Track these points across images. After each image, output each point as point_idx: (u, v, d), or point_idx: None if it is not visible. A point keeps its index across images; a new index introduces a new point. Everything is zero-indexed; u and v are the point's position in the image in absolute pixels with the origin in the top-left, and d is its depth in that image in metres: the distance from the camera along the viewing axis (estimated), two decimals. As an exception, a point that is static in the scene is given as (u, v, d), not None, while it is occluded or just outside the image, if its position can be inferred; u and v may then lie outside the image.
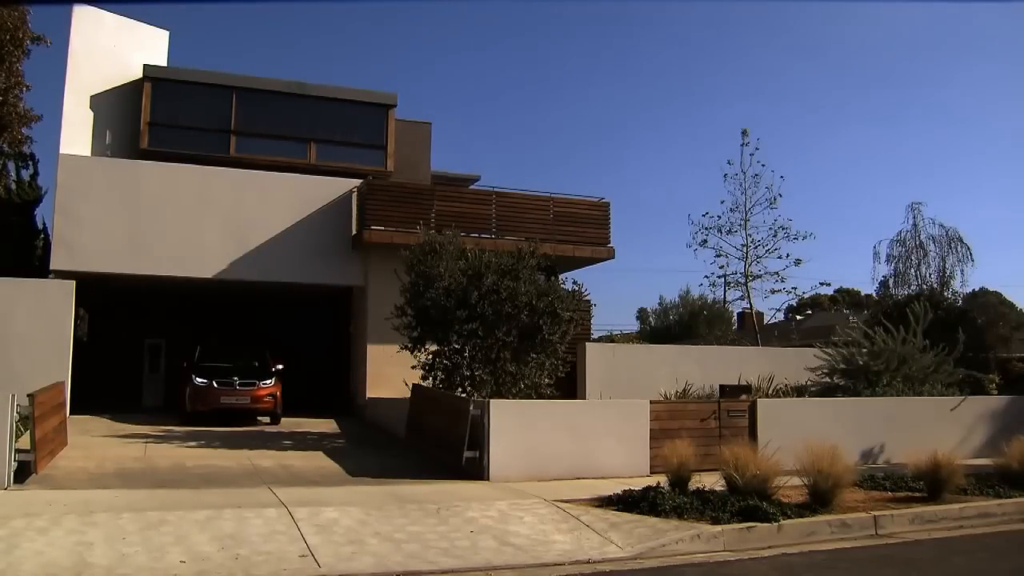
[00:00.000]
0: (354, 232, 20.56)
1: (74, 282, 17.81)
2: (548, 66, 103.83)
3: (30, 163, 24.58)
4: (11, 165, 24.29)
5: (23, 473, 11.03)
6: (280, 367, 19.69)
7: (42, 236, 23.33)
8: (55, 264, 18.52)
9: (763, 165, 26.14)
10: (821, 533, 9.88)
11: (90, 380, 20.13)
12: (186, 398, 18.63)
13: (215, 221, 19.75)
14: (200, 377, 18.50)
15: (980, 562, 9.16)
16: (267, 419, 18.93)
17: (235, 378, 18.59)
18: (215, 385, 18.40)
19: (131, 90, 21.31)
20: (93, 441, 15.19)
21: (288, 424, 18.77)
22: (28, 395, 11.15)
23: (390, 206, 20.00)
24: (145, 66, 21.19)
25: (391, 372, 17.59)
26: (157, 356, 25.70)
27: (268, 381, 18.89)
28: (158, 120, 21.21)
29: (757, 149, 26.03)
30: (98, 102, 21.05)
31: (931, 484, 11.60)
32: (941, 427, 15.17)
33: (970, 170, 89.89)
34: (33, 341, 16.84)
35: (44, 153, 43.96)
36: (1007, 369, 28.13)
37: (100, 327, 24.82)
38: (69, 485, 11.03)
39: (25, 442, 11.26)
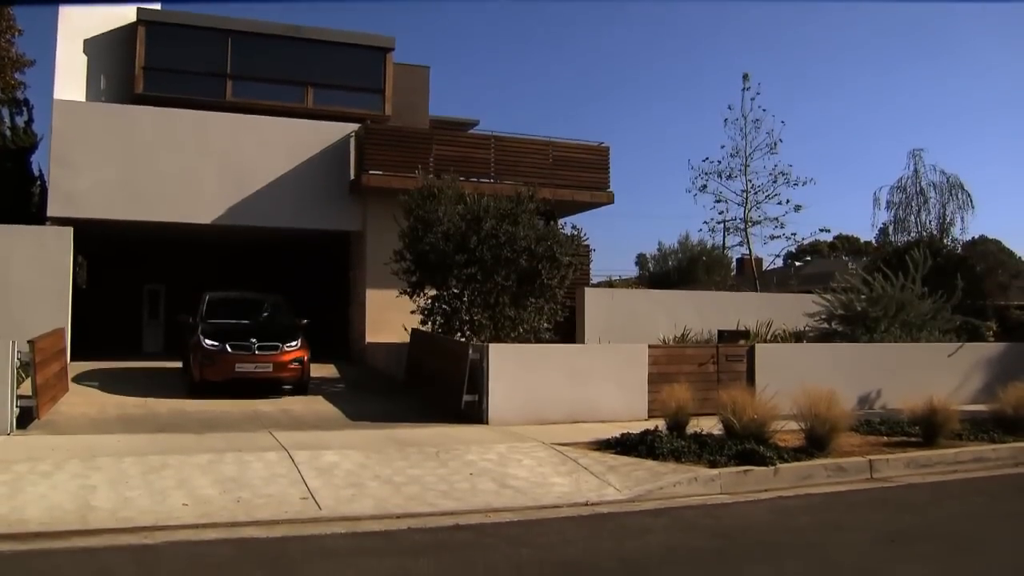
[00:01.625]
0: (352, 177, 20.42)
1: (71, 228, 17.73)
2: (547, 13, 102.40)
3: (24, 109, 24.41)
4: (5, 111, 24.12)
5: (25, 419, 11.12)
6: (306, 322, 16.65)
7: (38, 183, 23.22)
8: (52, 211, 18.42)
9: (764, 110, 25.89)
10: (817, 477, 9.98)
11: (90, 327, 20.17)
12: (192, 365, 15.21)
13: (212, 166, 19.61)
14: (209, 339, 15.02)
15: (974, 505, 9.28)
16: (291, 388, 15.50)
17: (253, 340, 15.08)
18: (228, 350, 14.87)
19: (125, 34, 20.98)
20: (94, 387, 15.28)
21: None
22: (28, 341, 11.19)
23: (388, 150, 19.83)
24: (139, 9, 20.81)
25: (390, 317, 17.61)
26: (156, 302, 25.76)
27: (293, 343, 15.45)
28: (153, 65, 20.91)
29: (758, 94, 25.77)
30: (92, 47, 20.76)
31: (927, 429, 11.70)
32: (938, 373, 15.23)
33: (973, 119, 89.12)
34: (32, 288, 16.82)
35: (38, 99, 43.65)
36: (1005, 317, 28.15)
37: (99, 274, 24.79)
38: (71, 430, 11.13)
39: (26, 388, 11.33)
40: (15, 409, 10.80)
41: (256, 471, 8.92)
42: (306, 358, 15.43)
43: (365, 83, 22.62)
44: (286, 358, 15.22)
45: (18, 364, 10.99)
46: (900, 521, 8.29)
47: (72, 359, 16.50)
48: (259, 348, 15.06)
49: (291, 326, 16.29)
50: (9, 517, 7.13)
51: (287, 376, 15.30)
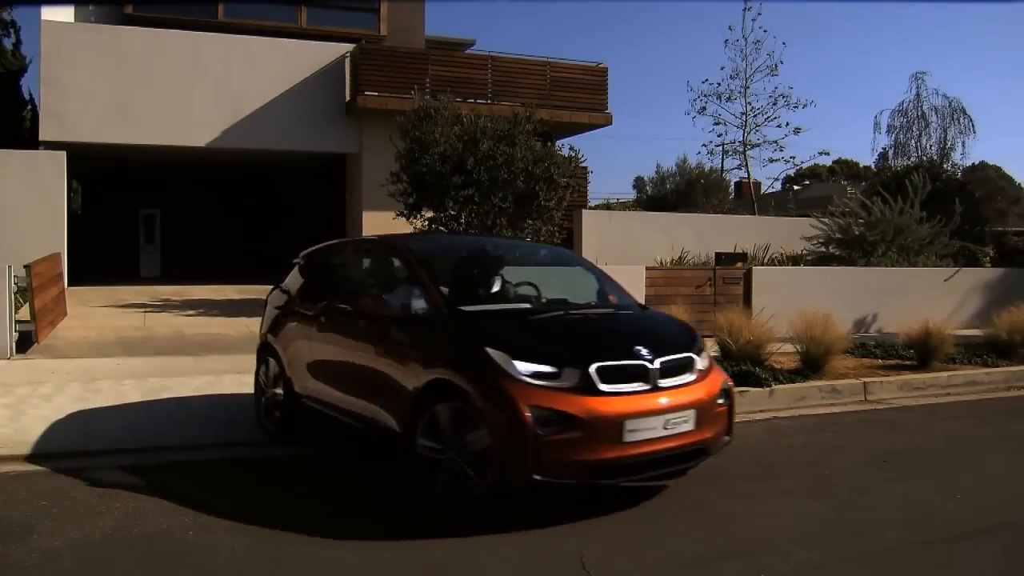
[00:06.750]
0: (347, 98, 20.18)
1: (65, 152, 17.54)
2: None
3: (11, 31, 23.92)
4: (-8, 34, 23.62)
5: (25, 343, 11.16)
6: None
7: (29, 107, 22.91)
8: (44, 135, 18.23)
9: (765, 31, 25.51)
10: (811, 398, 10.07)
11: (87, 252, 20.13)
12: (492, 438, 5.01)
13: (205, 88, 19.33)
14: (534, 359, 5.18)
15: (965, 427, 9.38)
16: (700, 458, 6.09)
17: (640, 349, 5.52)
18: (601, 387, 5.16)
19: (112, -49, 20.48)
20: (92, 311, 15.30)
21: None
22: (25, 266, 11.17)
23: (384, 71, 19.58)
24: (126, -74, 20.31)
25: (387, 240, 17.53)
26: (152, 227, 25.70)
27: (700, 356, 6.03)
28: (141, -17, 20.47)
29: (759, 15, 25.33)
30: (78, -36, 20.28)
31: (921, 352, 11.76)
32: (934, 298, 15.25)
33: (977, 41, 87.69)
34: (26, 213, 16.72)
35: (26, 21, 42.58)
36: (1002, 243, 28.12)
37: (94, 199, 24.66)
38: (71, 354, 11.16)
39: (25, 313, 11.36)
40: (14, 334, 10.83)
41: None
42: (731, 386, 6.39)
43: (359, 2, 22.18)
44: (708, 392, 5.94)
45: (15, 289, 11.00)
46: (892, 441, 8.39)
47: (69, 284, 16.50)
48: (665, 372, 5.60)
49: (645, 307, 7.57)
50: (13, 439, 7.20)
51: (709, 439, 5.95)
